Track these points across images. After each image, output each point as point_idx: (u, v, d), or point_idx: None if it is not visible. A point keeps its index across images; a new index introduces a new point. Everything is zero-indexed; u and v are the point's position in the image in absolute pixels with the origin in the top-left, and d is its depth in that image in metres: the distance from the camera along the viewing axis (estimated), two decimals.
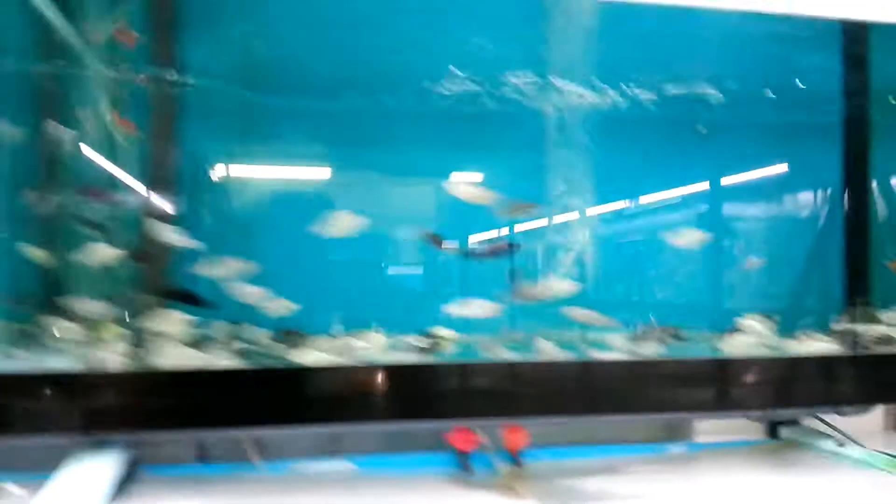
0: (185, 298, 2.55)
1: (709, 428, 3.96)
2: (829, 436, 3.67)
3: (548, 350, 2.82)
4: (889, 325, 2.73)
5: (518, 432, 3.38)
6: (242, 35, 2.73)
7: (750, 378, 2.44)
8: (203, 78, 2.56)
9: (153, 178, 2.57)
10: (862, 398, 2.37)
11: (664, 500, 2.95)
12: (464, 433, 3.32)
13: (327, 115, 2.83)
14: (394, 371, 2.54)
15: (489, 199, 2.49)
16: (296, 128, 2.86)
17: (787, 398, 2.41)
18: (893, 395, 2.19)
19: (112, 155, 2.58)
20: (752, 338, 2.94)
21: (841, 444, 3.52)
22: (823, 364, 2.64)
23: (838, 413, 3.64)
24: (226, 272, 2.53)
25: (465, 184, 2.49)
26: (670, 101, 2.97)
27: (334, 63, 2.85)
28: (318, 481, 3.22)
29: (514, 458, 3.38)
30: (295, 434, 3.58)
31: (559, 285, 2.50)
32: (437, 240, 2.60)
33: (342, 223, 2.55)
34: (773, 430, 3.91)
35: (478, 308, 2.44)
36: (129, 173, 2.64)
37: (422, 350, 2.78)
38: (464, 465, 3.31)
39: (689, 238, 2.73)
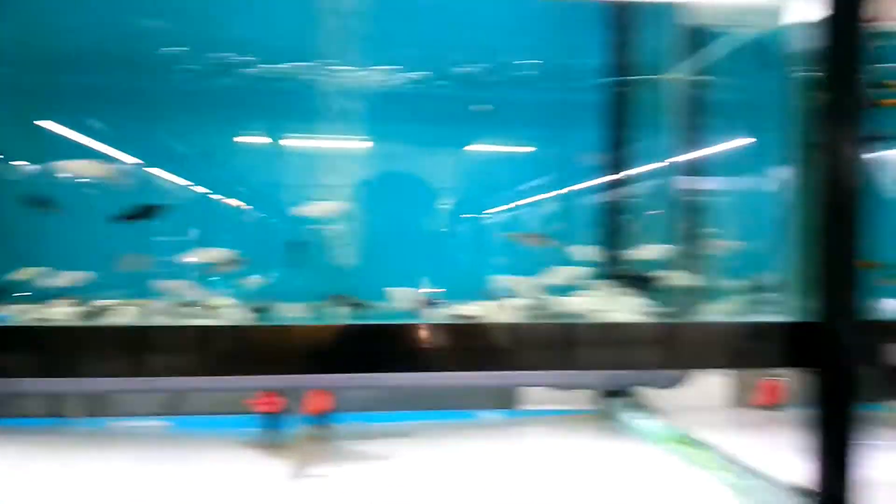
0: None
1: (545, 397, 4.03)
2: (640, 408, 3.71)
3: None
4: None
5: (321, 396, 3.55)
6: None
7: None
8: None
9: None
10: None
11: (417, 460, 3.10)
12: (267, 396, 3.51)
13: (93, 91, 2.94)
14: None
15: (106, 172, 2.54)
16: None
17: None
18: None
19: None
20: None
21: (648, 418, 3.56)
22: None
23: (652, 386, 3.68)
24: None
25: (78, 161, 2.54)
26: (438, 78, 2.99)
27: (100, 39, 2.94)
28: (131, 437, 3.48)
29: (317, 421, 3.56)
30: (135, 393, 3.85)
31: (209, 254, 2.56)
32: (39, 202, 2.65)
33: None
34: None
35: (70, 278, 2.51)
36: None
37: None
38: (268, 427, 3.50)
39: (323, 208, 2.74)
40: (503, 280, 2.43)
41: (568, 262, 2.47)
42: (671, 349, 2.22)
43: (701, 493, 2.70)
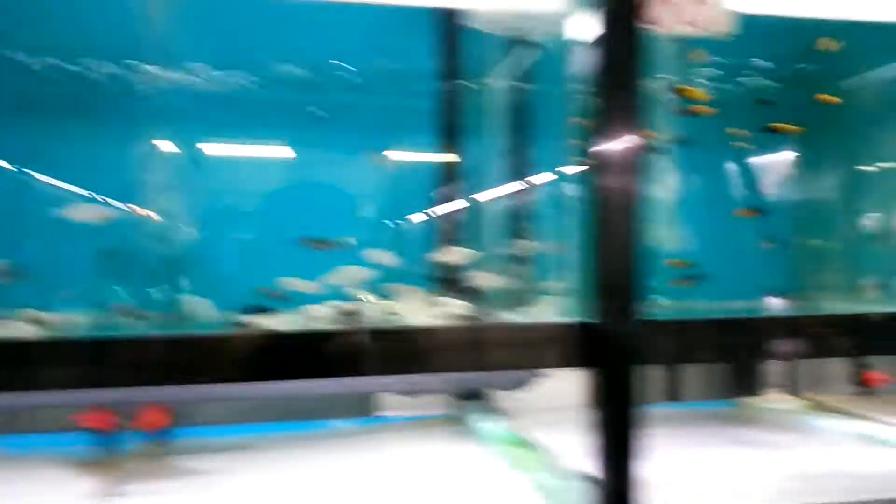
0: None
1: (403, 403, 4.00)
2: (488, 411, 3.74)
3: None
4: None
5: (156, 411, 3.43)
6: None
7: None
8: None
9: None
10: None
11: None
12: (98, 412, 3.36)
13: None
14: None
15: None
16: None
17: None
18: None
19: None
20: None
21: (492, 420, 3.59)
22: None
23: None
24: None
25: None
26: (265, 82, 2.96)
27: None
28: None
29: (154, 437, 3.44)
30: None
31: None
32: None
33: None
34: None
35: None
36: None
37: None
38: (99, 445, 3.35)
39: (88, 213, 2.69)
40: (292, 283, 2.41)
41: (361, 263, 2.47)
42: (455, 352, 2.23)
43: (509, 493, 2.72)
